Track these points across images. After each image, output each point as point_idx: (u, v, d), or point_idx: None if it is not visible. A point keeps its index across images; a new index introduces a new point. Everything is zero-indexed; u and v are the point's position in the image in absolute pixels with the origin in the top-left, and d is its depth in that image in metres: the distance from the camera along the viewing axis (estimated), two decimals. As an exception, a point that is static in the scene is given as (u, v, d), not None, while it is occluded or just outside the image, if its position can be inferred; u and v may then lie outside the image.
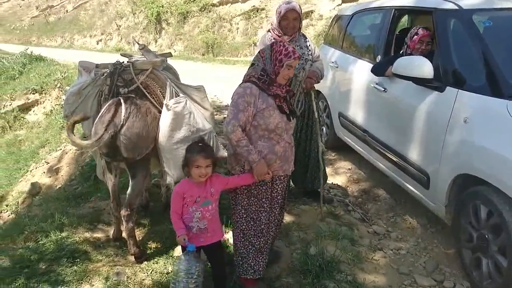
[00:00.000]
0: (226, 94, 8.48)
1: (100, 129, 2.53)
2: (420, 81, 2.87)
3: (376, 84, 3.51)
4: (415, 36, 3.26)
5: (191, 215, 2.27)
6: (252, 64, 2.41)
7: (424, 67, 2.80)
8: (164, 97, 2.77)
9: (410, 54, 3.31)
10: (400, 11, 3.57)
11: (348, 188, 4.02)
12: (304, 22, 13.50)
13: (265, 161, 2.32)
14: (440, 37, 2.92)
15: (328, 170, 4.37)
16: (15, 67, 11.69)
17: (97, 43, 20.83)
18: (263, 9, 14.76)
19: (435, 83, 2.81)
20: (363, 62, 3.92)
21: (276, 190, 2.46)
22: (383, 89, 3.40)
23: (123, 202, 2.79)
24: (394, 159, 3.30)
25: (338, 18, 4.95)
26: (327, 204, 3.55)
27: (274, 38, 3.05)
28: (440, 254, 2.97)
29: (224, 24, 16.01)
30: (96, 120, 2.60)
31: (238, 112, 2.25)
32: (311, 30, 12.83)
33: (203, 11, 16.86)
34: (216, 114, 6.60)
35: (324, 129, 4.98)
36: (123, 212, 2.69)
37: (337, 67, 4.42)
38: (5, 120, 9.33)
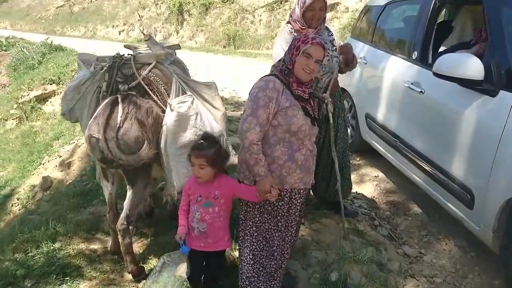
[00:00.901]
0: (246, 89, 8.12)
1: (93, 131, 2.22)
2: (467, 83, 2.43)
3: (412, 84, 3.08)
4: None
5: (192, 215, 2.13)
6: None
7: (472, 67, 2.36)
8: (169, 95, 2.44)
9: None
10: (442, 1, 3.11)
11: (374, 199, 3.62)
12: (329, 15, 12.98)
13: (283, 170, 1.99)
14: (493, 30, 2.46)
15: (353, 177, 3.95)
16: (34, 57, 11.61)
17: (119, 34, 20.72)
18: (286, 0, 14.29)
19: (486, 86, 2.37)
20: (396, 59, 3.48)
21: (294, 206, 2.11)
22: (419, 91, 2.97)
23: (121, 213, 2.49)
24: (430, 171, 2.88)
25: (368, 9, 4.49)
26: (351, 217, 3.16)
27: (295, 31, 2.67)
28: (483, 286, 2.56)
29: (246, 15, 15.62)
30: (89, 122, 2.29)
31: (257, 108, 1.91)
32: (336, 22, 12.30)
33: (225, 2, 16.50)
34: (233, 111, 6.28)
35: (349, 130, 4.57)
36: (119, 226, 2.38)
37: (365, 63, 3.99)
38: (22, 111, 9.23)
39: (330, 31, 2.83)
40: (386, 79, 3.57)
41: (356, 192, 3.70)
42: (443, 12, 3.84)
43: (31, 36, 20.87)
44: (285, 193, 2.04)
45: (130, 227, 2.44)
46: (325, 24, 2.80)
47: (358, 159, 4.37)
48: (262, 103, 1.91)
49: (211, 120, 2.47)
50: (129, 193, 2.40)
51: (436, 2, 3.12)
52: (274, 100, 1.92)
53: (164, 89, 2.45)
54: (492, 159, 2.27)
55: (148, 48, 2.66)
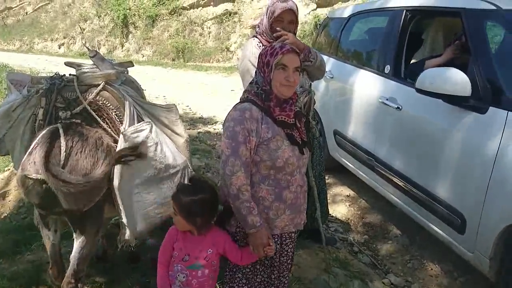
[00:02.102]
0: (200, 104, 7.81)
1: (29, 172, 1.78)
2: (453, 100, 2.27)
3: (387, 100, 2.90)
4: None
5: (174, 275, 1.70)
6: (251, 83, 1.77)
7: (458, 82, 2.20)
8: (121, 122, 2.04)
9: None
10: (413, 12, 2.98)
11: (349, 221, 3.39)
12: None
13: (270, 212, 1.69)
14: (475, 44, 2.33)
15: (323, 197, 3.73)
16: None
17: (59, 47, 19.53)
18: (235, 13, 14.14)
19: (474, 103, 2.21)
20: (366, 73, 3.31)
21: (286, 253, 1.81)
22: (396, 107, 2.79)
23: (67, 267, 2.04)
24: (412, 192, 2.70)
25: (329, 20, 4.34)
26: (330, 246, 2.90)
27: (263, 45, 2.39)
28: (478, 316, 2.38)
29: (195, 28, 15.28)
30: (23, 159, 1.85)
31: (238, 146, 1.59)
32: (287, 35, 12.28)
33: (173, 14, 16.06)
34: (188, 129, 5.88)
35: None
36: (65, 285, 1.94)
37: (332, 77, 3.80)
38: None
39: None
40: (356, 94, 3.38)
41: (330, 214, 3.45)
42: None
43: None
44: (276, 239, 1.72)
45: (79, 284, 1.99)
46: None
47: (327, 177, 4.11)
48: (242, 139, 1.59)
49: (173, 149, 2.11)
50: (76, 243, 1.96)
51: (407, 14, 2.99)
52: (254, 132, 1.61)
53: (116, 115, 2.06)
54: (486, 182, 2.09)
55: (95, 65, 2.25)
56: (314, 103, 2.56)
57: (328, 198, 3.70)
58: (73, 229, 1.96)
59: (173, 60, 14.87)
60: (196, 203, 1.63)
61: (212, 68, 12.45)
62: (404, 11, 3.00)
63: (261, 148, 1.64)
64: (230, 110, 1.68)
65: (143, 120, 2.09)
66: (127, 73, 2.49)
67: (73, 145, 1.85)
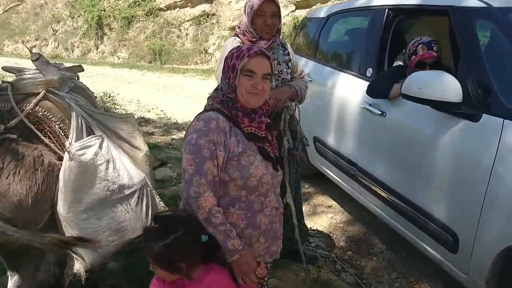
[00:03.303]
0: (175, 108, 7.47)
1: None
2: (443, 106, 2.06)
3: (370, 105, 2.68)
4: (413, 57, 2.47)
5: None
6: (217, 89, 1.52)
7: (449, 87, 1.99)
8: (67, 136, 1.76)
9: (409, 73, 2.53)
10: (396, 11, 2.77)
11: (331, 235, 3.16)
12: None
13: (243, 241, 1.43)
14: (465, 46, 2.13)
15: (304, 208, 3.49)
16: None
17: (31, 50, 18.84)
18: (213, 14, 13.88)
19: (465, 109, 2.01)
20: (347, 76, 3.09)
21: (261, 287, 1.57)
22: (379, 113, 2.57)
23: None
24: (398, 204, 2.48)
25: (307, 21, 4.12)
26: (311, 265, 2.66)
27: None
28: None
29: (172, 29, 14.95)
30: None
31: (203, 162, 1.34)
32: (266, 36, 12.08)
33: (149, 15, 15.67)
34: (162, 135, 5.58)
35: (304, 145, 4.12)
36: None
37: (310, 80, 3.56)
38: None
39: (286, 49, 2.33)
40: (336, 99, 3.16)
41: (310, 228, 3.22)
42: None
43: None
44: None
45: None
46: (280, 39, 2.30)
47: (307, 186, 3.92)
48: (207, 154, 1.34)
49: (129, 166, 1.83)
50: (11, 282, 1.66)
51: (389, 13, 2.78)
52: (221, 146, 1.36)
53: (60, 128, 1.77)
54: (481, 196, 1.88)
55: (38, 71, 1.95)
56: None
57: (307, 208, 3.49)
58: (6, 265, 1.66)
59: (150, 62, 14.49)
60: (172, 248, 1.30)
61: (189, 70, 12.15)
62: (387, 10, 2.79)
63: (231, 165, 1.39)
64: (193, 120, 1.43)
65: (94, 133, 1.81)
66: (78, 78, 2.20)
67: (4, 166, 1.56)
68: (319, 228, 3.23)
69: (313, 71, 3.60)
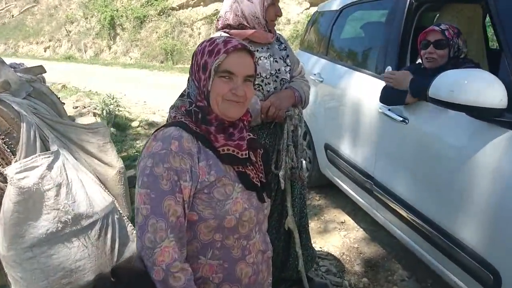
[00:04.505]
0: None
1: None
2: (481, 113, 1.66)
3: (389, 110, 2.30)
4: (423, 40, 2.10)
5: None
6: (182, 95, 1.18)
7: (490, 90, 1.59)
8: (14, 154, 1.43)
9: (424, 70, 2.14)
10: (419, 1, 2.37)
11: (344, 257, 2.78)
12: (271, 27, 12.40)
13: None
14: (509, 38, 1.72)
15: (313, 224, 3.13)
16: None
17: (45, 50, 18.87)
18: (226, 12, 13.53)
19: (511, 118, 1.61)
20: (362, 76, 2.70)
21: None
22: (401, 119, 2.18)
23: None
24: (421, 227, 2.09)
25: (318, 16, 3.73)
26: (320, 295, 2.30)
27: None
28: None
29: (184, 29, 14.70)
30: None
31: (160, 199, 0.99)
32: (279, 35, 11.72)
33: (161, 15, 15.47)
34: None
35: (303, 162, 3.75)
36: None
37: (321, 80, 3.19)
38: None
39: (282, 42, 1.96)
40: (350, 102, 2.78)
41: (321, 248, 2.84)
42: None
43: None
44: None
45: None
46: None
47: (317, 198, 3.54)
48: (167, 187, 0.99)
49: (92, 190, 1.49)
50: None
51: (411, 4, 2.37)
52: (187, 175, 1.01)
53: (5, 142, 1.44)
54: (533, 230, 1.49)
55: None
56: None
57: (317, 224, 3.12)
58: None
59: (162, 62, 14.27)
60: None
61: (200, 70, 11.85)
62: (408, 0, 2.40)
63: (200, 200, 1.04)
64: (148, 140, 1.07)
65: (49, 149, 1.48)
66: (44, 81, 1.87)
67: None
68: (331, 249, 2.85)
69: (325, 70, 3.22)
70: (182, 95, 1.14)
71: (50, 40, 18.91)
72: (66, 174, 1.40)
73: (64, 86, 8.23)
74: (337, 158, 2.99)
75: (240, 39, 1.77)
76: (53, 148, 1.46)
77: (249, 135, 1.15)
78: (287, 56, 1.92)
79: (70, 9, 19.28)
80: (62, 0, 19.89)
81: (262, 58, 1.82)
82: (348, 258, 2.76)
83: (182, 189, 0.99)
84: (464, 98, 1.63)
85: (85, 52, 17.29)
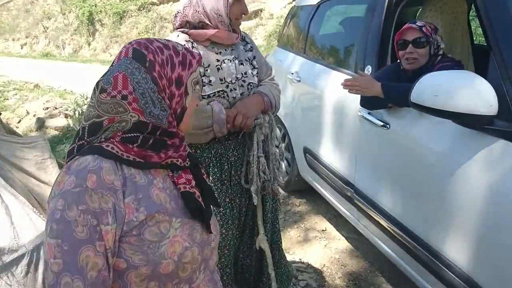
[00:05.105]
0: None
1: None
2: (469, 120, 1.49)
3: (369, 114, 2.12)
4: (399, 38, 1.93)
5: None
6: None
7: (480, 95, 1.42)
8: None
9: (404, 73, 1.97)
10: (400, -6, 2.19)
11: (325, 269, 2.60)
12: (253, 22, 12.15)
13: None
14: (500, 36, 1.54)
15: (293, 233, 2.96)
16: None
17: (21, 47, 18.27)
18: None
19: (502, 125, 1.44)
20: (342, 76, 2.52)
21: None
22: (382, 124, 2.00)
23: None
24: (405, 240, 1.93)
25: (296, 10, 3.54)
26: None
27: (193, 43, 1.58)
28: None
29: (165, 24, 14.35)
30: None
31: (75, 251, 0.77)
32: (261, 30, 11.54)
33: (141, 10, 15.11)
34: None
35: (283, 165, 3.57)
36: None
37: (299, 80, 3.00)
38: None
39: (247, 42, 1.76)
40: (328, 104, 2.59)
41: (300, 259, 2.67)
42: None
43: None
44: None
45: None
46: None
47: (297, 203, 3.36)
48: (84, 234, 0.77)
49: (20, 218, 1.27)
50: None
51: (391, -3, 2.20)
52: (109, 216, 0.80)
53: None
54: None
55: None
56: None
57: (297, 233, 2.94)
58: None
59: (143, 59, 13.92)
60: None
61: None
62: (389, -8, 2.21)
63: (128, 244, 0.83)
64: (60, 174, 0.86)
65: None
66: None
67: None
68: (311, 260, 2.67)
69: (302, 69, 3.04)
70: (122, 121, 0.84)
71: (26, 37, 18.32)
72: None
73: (36, 86, 7.88)
74: (316, 163, 2.81)
75: (200, 40, 1.58)
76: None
77: (185, 153, 0.96)
78: (254, 57, 1.72)
79: (47, 4, 18.67)
80: (39, -5, 19.28)
81: (226, 61, 1.61)
82: (329, 271, 2.59)
83: (103, 235, 0.79)
84: (449, 104, 1.46)
85: (64, 49, 16.79)
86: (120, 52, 0.88)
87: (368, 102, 2.04)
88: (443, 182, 1.66)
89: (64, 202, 0.78)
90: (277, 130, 3.53)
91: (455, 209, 1.61)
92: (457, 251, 1.63)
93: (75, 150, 0.86)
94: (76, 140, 0.87)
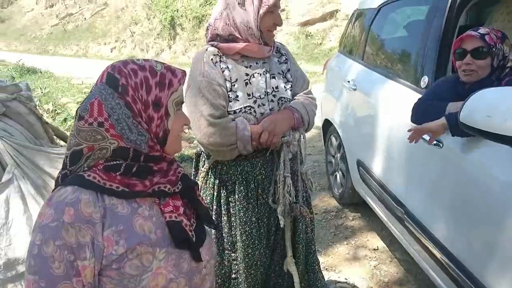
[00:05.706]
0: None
1: None
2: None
3: (421, 130, 1.91)
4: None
5: None
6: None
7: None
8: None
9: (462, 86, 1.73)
10: (465, -4, 1.95)
11: (372, 292, 2.43)
12: (328, 23, 11.90)
13: None
14: None
15: (342, 249, 2.81)
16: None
17: (111, 51, 19.88)
18: (283, 10, 13.26)
19: None
20: (397, 87, 2.33)
21: None
22: (435, 142, 1.80)
23: None
24: (460, 278, 1.70)
25: (359, 15, 3.36)
26: None
27: (221, 58, 1.55)
28: None
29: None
30: None
31: (50, 286, 0.77)
32: (336, 31, 11.23)
33: (219, 14, 15.57)
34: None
35: (338, 176, 3.41)
36: None
37: (355, 88, 2.84)
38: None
39: (282, 54, 1.68)
40: (383, 116, 2.41)
41: (346, 280, 2.52)
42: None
43: (24, 56, 20.15)
44: None
45: None
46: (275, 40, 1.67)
47: (351, 217, 3.19)
48: (61, 270, 0.77)
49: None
50: None
51: (454, 0, 1.96)
52: (86, 250, 0.79)
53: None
54: None
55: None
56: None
57: (346, 249, 2.79)
58: None
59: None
60: None
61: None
62: (451, -6, 1.99)
63: (108, 278, 0.82)
64: (43, 205, 0.87)
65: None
66: (30, 99, 1.76)
67: None
68: (356, 281, 2.51)
69: (359, 77, 2.87)
70: (102, 148, 0.83)
71: (116, 41, 19.88)
72: (8, 211, 1.26)
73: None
74: (368, 178, 2.63)
75: (229, 53, 1.54)
76: (6, 177, 1.33)
77: (178, 174, 0.92)
78: (288, 70, 1.63)
79: (135, 10, 20.11)
80: (129, 2, 20.81)
81: (255, 75, 1.56)
82: (375, 294, 2.41)
83: (80, 270, 0.78)
84: (505, 126, 1.25)
85: (147, 52, 17.94)
86: (99, 76, 0.87)
87: (420, 118, 1.84)
88: (504, 213, 1.44)
89: (42, 236, 0.78)
90: (333, 139, 3.39)
91: (512, 248, 1.39)
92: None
93: (59, 180, 0.87)
94: (61, 170, 0.88)
